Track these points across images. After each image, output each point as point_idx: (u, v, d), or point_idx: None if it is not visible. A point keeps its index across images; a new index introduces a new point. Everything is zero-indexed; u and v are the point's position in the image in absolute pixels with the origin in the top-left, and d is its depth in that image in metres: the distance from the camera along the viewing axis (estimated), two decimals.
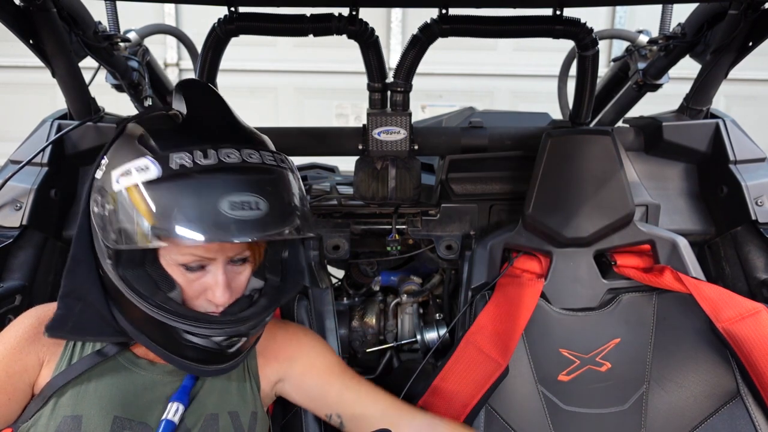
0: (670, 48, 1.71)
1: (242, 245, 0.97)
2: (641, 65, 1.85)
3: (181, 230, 0.86)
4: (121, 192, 0.90)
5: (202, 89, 1.05)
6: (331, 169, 2.29)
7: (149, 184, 0.88)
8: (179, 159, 0.88)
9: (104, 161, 0.96)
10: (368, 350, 1.78)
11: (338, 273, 1.97)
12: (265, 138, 1.04)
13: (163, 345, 0.98)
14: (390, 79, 1.52)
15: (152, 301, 0.94)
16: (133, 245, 0.90)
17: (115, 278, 0.95)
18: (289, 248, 1.11)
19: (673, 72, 1.82)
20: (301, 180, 1.03)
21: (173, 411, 1.00)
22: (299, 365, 1.15)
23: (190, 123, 0.97)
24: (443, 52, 3.13)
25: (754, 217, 1.49)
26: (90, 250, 1.00)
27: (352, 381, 1.16)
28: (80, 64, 1.52)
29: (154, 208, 0.87)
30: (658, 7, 1.78)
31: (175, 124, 0.97)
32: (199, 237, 0.86)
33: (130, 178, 0.90)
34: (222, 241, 0.91)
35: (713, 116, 1.69)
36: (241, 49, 2.75)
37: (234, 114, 1.03)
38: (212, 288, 0.97)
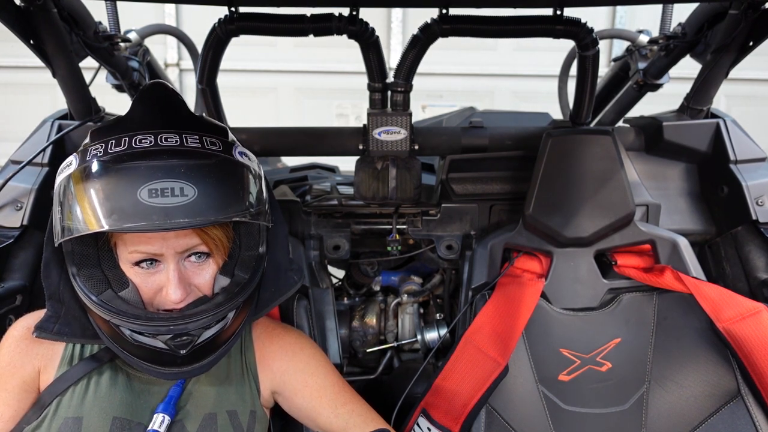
0: (670, 48, 1.71)
1: (189, 238, 0.92)
2: (641, 65, 1.85)
3: (84, 222, 0.85)
4: (54, 191, 0.92)
5: (153, 87, 1.00)
6: (331, 169, 2.30)
7: (74, 179, 0.88)
8: (93, 150, 0.88)
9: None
10: (369, 350, 1.78)
11: (339, 273, 1.97)
12: (227, 129, 1.00)
13: (121, 346, 0.95)
14: (390, 79, 1.52)
15: (97, 298, 0.91)
16: (59, 240, 0.90)
17: (71, 277, 0.94)
18: (267, 244, 1.04)
19: (673, 72, 1.82)
20: (259, 170, 0.99)
21: (159, 422, 0.99)
22: (292, 382, 1.11)
23: (131, 117, 0.94)
24: (443, 52, 3.13)
25: (754, 217, 1.49)
26: (59, 254, 0.98)
27: (344, 408, 1.10)
28: (80, 64, 1.52)
29: (71, 202, 0.87)
30: (659, 7, 1.78)
31: (117, 120, 0.95)
32: (95, 227, 0.83)
33: (59, 176, 0.92)
34: (129, 230, 0.86)
35: (714, 116, 1.69)
36: (241, 49, 2.75)
37: (187, 106, 0.99)
38: (166, 286, 0.93)
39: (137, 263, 0.93)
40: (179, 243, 0.92)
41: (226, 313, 0.96)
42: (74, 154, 0.92)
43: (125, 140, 0.89)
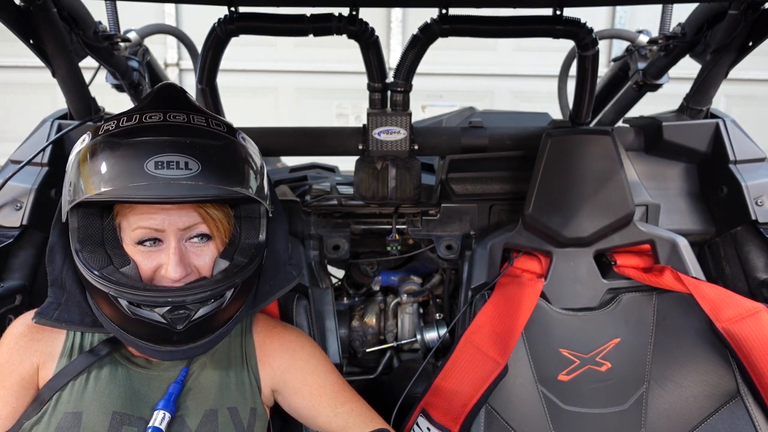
0: (670, 48, 1.71)
1: (190, 215, 0.96)
2: (641, 65, 1.85)
3: (91, 188, 0.89)
4: (67, 167, 0.96)
5: (164, 86, 1.05)
6: (331, 169, 2.29)
7: (85, 153, 0.93)
8: (107, 125, 0.95)
9: None
10: (368, 350, 1.78)
11: (338, 273, 1.97)
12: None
13: (119, 324, 0.97)
14: (390, 79, 1.52)
15: (98, 272, 0.94)
16: (67, 208, 0.94)
17: (74, 254, 0.96)
18: (267, 237, 1.06)
19: (673, 72, 1.82)
20: (261, 160, 1.04)
21: (160, 419, 0.99)
22: (292, 380, 1.11)
23: (145, 103, 1.00)
24: (443, 52, 3.13)
25: (754, 217, 1.49)
26: (64, 238, 1.01)
27: (344, 407, 1.10)
28: (80, 64, 1.52)
29: (80, 172, 0.92)
30: (658, 7, 1.78)
31: (132, 108, 1.00)
32: (101, 189, 0.87)
33: (73, 153, 0.97)
34: (132, 196, 0.89)
35: (713, 116, 1.69)
36: (241, 49, 2.75)
37: (195, 102, 1.05)
38: (166, 264, 0.95)
39: (140, 242, 0.96)
40: (181, 219, 0.96)
41: (224, 291, 0.98)
42: (87, 132, 0.97)
43: (136, 116, 0.95)
